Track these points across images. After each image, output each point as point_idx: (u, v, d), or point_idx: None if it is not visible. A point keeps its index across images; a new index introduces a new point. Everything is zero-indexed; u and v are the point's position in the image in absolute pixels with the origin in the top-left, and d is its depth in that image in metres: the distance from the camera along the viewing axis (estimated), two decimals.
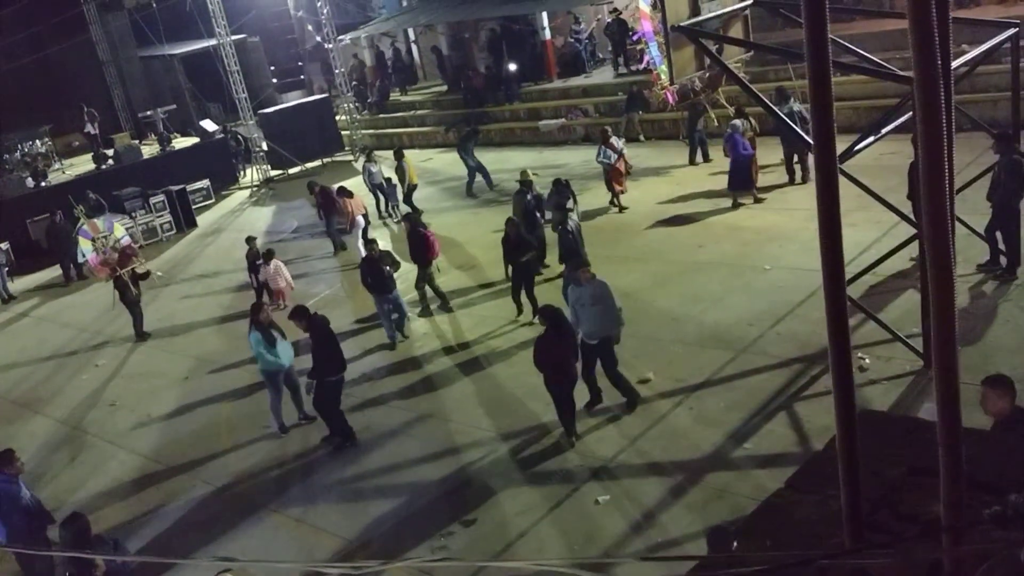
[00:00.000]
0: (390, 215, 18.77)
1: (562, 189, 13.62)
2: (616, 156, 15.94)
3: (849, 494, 2.94)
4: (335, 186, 17.14)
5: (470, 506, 8.39)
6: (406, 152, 18.87)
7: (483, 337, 12.05)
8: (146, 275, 14.94)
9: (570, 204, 13.43)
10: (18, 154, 22.98)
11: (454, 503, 8.50)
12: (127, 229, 16.27)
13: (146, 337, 14.40)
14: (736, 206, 14.92)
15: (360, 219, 16.21)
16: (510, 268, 12.11)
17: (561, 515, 8.01)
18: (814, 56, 2.62)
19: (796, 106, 14.85)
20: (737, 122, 15.19)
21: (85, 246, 14.64)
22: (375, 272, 11.95)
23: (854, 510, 2.99)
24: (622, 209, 16.13)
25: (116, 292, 14.23)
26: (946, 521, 2.95)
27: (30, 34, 23.87)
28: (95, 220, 15.31)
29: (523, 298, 12.10)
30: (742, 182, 15.02)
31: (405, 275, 12.95)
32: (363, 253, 15.75)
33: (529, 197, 13.71)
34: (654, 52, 15.58)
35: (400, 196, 18.52)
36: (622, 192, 16.24)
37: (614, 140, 16.23)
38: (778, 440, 8.41)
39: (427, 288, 12.98)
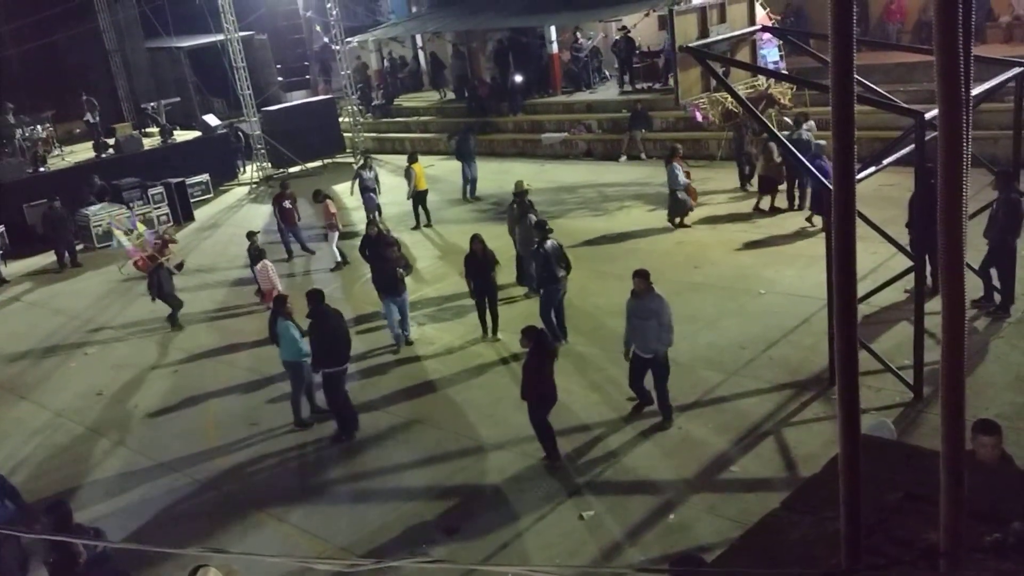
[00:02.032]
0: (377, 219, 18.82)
1: (527, 208, 13.39)
2: (686, 182, 15.51)
3: (849, 515, 2.94)
4: (314, 189, 17.20)
5: (454, 515, 8.37)
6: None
7: (475, 346, 12.03)
8: (180, 265, 14.91)
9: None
10: (18, 138, 22.88)
11: (438, 511, 8.47)
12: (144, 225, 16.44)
13: (180, 329, 14.27)
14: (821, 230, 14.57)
15: (339, 224, 16.37)
16: (472, 285, 11.99)
17: (544, 528, 7.99)
18: (839, 91, 2.63)
19: (805, 134, 14.86)
20: (823, 142, 14.54)
21: (120, 236, 14.62)
22: (373, 247, 12.02)
23: (853, 531, 2.99)
24: (678, 226, 15.73)
25: (151, 286, 14.04)
26: (944, 546, 2.94)
27: (38, 19, 23.84)
28: (120, 215, 15.43)
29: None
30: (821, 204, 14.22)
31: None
32: (338, 258, 15.87)
33: (516, 207, 13.65)
34: (771, 57, 15.29)
35: (401, 200, 18.55)
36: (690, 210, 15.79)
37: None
38: (765, 464, 8.41)
39: None
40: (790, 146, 9.79)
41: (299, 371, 10.30)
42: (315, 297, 10.03)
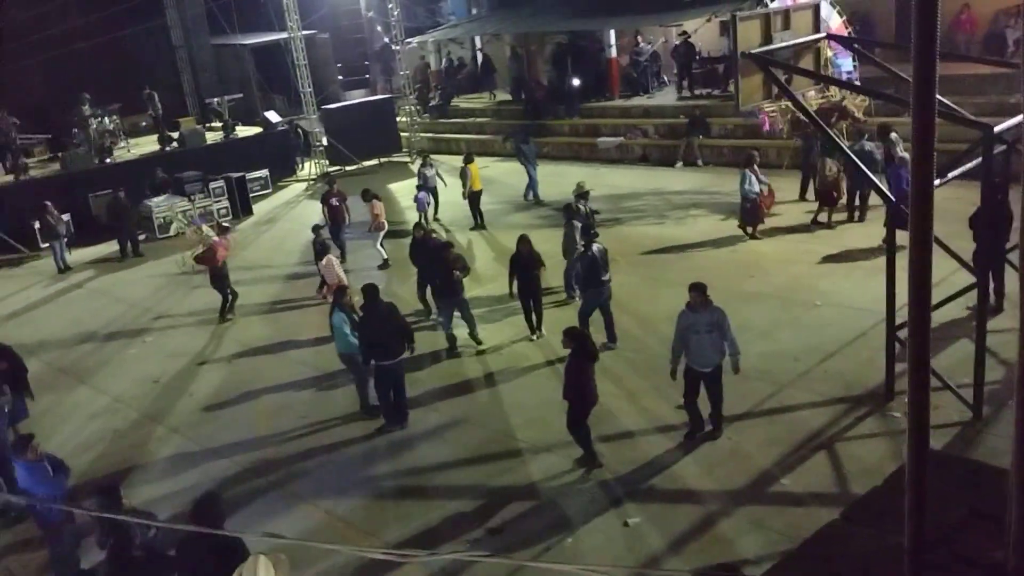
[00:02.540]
0: (435, 220, 18.93)
1: (573, 214, 13.35)
2: (764, 187, 15.24)
3: (914, 529, 2.86)
4: (363, 188, 17.26)
5: (498, 515, 8.37)
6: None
7: (524, 348, 12.03)
8: (227, 229, 15.50)
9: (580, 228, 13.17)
10: (93, 129, 23.54)
11: (482, 510, 8.48)
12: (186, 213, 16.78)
13: (231, 317, 14.58)
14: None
15: (384, 223, 16.42)
16: (515, 285, 12.04)
17: (588, 533, 7.95)
18: (920, 103, 2.57)
19: (867, 145, 14.55)
20: (906, 156, 14.45)
21: (207, 230, 14.98)
22: (422, 253, 12.17)
23: (917, 546, 2.91)
24: (752, 235, 15.38)
25: (217, 275, 14.35)
26: (1013, 565, 2.85)
27: (108, 14, 24.47)
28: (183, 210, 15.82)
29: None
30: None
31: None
32: (384, 256, 15.96)
33: (585, 210, 13.66)
34: (846, 67, 14.98)
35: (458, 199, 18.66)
36: (761, 222, 15.43)
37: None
38: (817, 479, 8.26)
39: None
40: (855, 158, 9.60)
41: (354, 362, 10.49)
42: (368, 291, 10.19)
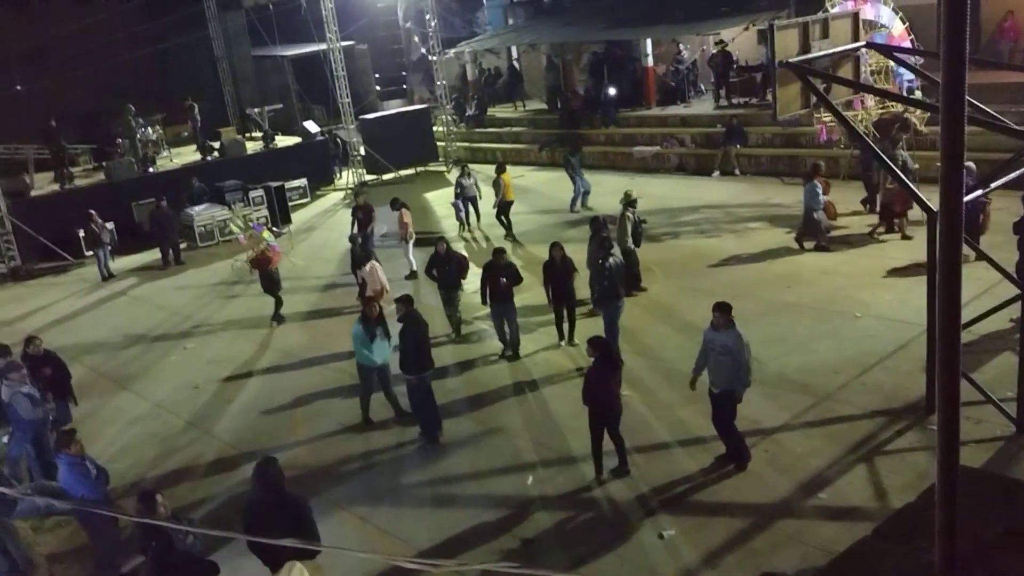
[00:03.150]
0: (475, 229, 18.98)
1: (600, 227, 13.09)
2: (827, 198, 14.88)
3: (945, 547, 2.82)
4: (392, 197, 17.36)
5: (532, 525, 8.36)
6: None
7: (558, 357, 12.03)
8: (280, 234, 15.66)
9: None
10: (139, 139, 24.05)
11: (516, 520, 8.47)
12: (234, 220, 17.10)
13: (281, 320, 14.85)
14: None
15: (413, 232, 16.53)
16: (550, 293, 12.05)
17: (622, 545, 7.90)
18: (949, 111, 2.55)
19: (903, 153, 14.38)
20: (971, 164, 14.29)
21: (267, 236, 15.24)
22: (494, 278, 12.10)
23: (949, 565, 2.87)
24: (818, 248, 14.82)
25: (270, 279, 14.64)
26: None
27: (152, 27, 25.01)
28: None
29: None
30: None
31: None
32: (414, 266, 15.98)
33: (635, 217, 13.66)
34: (908, 76, 14.71)
35: (491, 210, 18.73)
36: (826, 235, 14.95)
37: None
38: (855, 493, 8.15)
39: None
40: (893, 167, 9.48)
41: (365, 374, 10.63)
42: (404, 302, 10.24)
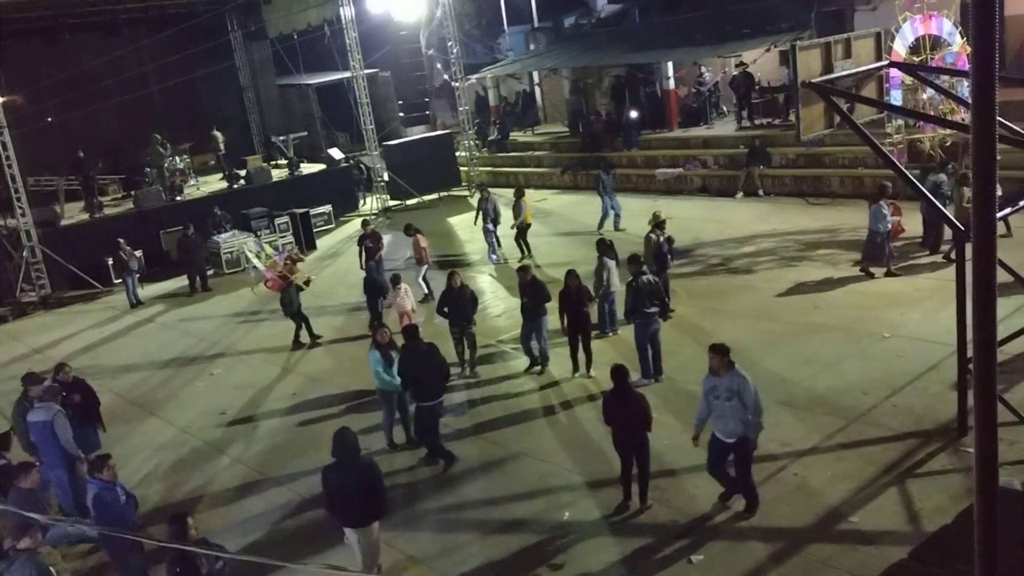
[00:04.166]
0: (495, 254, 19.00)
1: (607, 250, 13.23)
2: (895, 220, 14.15)
3: (984, 570, 2.76)
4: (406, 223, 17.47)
5: (558, 551, 8.29)
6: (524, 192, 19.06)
7: (582, 379, 11.97)
8: (308, 282, 15.83)
9: (612, 265, 13.09)
10: (167, 168, 24.44)
11: (543, 545, 8.41)
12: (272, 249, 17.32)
13: (318, 339, 15.04)
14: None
15: (428, 257, 16.60)
16: (565, 322, 11.95)
17: (651, 569, 7.81)
18: (980, 128, 2.53)
19: (942, 177, 14.13)
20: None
21: (254, 259, 15.48)
22: (531, 296, 12.17)
23: None
24: (888, 272, 14.20)
25: (285, 303, 14.84)
26: None
27: (179, 58, 25.42)
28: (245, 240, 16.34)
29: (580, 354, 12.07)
30: None
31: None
32: (426, 291, 16.01)
33: (661, 239, 13.62)
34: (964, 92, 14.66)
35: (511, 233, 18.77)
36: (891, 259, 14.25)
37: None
38: (887, 516, 8.00)
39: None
40: (920, 187, 9.40)
41: (386, 399, 10.67)
42: (407, 332, 10.48)
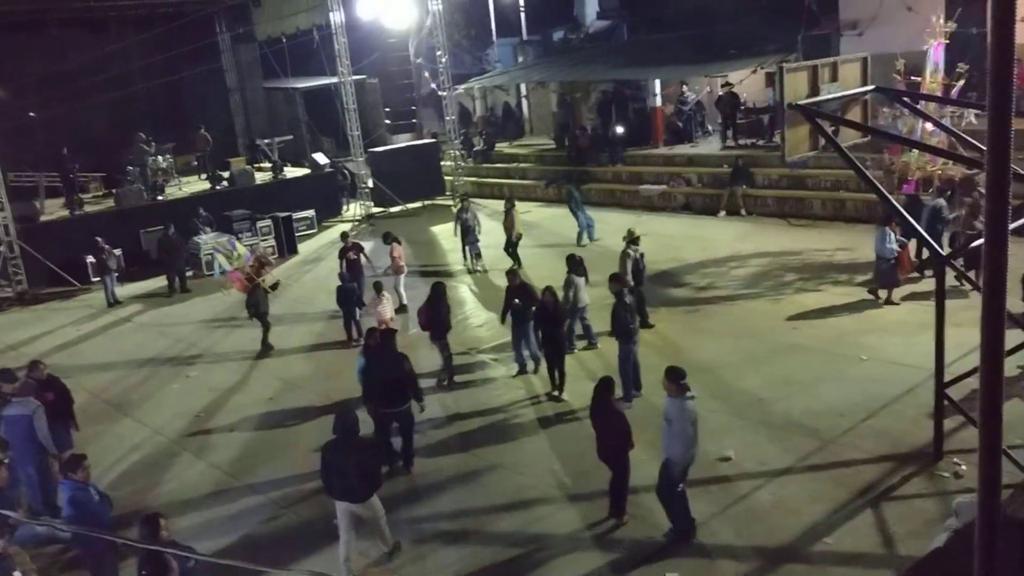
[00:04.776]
0: (475, 262, 18.94)
1: (576, 266, 13.16)
2: (901, 245, 13.83)
3: None
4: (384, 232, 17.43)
5: (534, 565, 8.26)
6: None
7: (565, 392, 11.96)
8: (276, 286, 15.71)
9: (580, 283, 13.05)
10: (149, 167, 24.26)
11: (520, 559, 8.38)
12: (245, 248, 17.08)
13: (270, 350, 14.86)
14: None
15: (404, 266, 16.55)
16: (539, 337, 11.97)
17: None
18: (994, 156, 2.56)
19: (941, 201, 14.11)
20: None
21: (222, 260, 15.35)
22: (522, 299, 12.21)
23: None
24: (888, 300, 13.94)
25: (250, 305, 14.73)
26: None
27: (166, 57, 25.27)
28: (220, 239, 16.14)
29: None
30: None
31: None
32: (404, 300, 15.97)
33: (638, 255, 13.64)
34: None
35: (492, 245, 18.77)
36: (898, 284, 14.00)
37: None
38: (861, 538, 8.04)
39: None
40: (901, 209, 9.50)
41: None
42: (383, 335, 10.57)
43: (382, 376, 10.04)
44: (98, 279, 19.88)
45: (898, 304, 13.88)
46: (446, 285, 13.19)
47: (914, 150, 14.48)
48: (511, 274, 12.76)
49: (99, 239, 19.25)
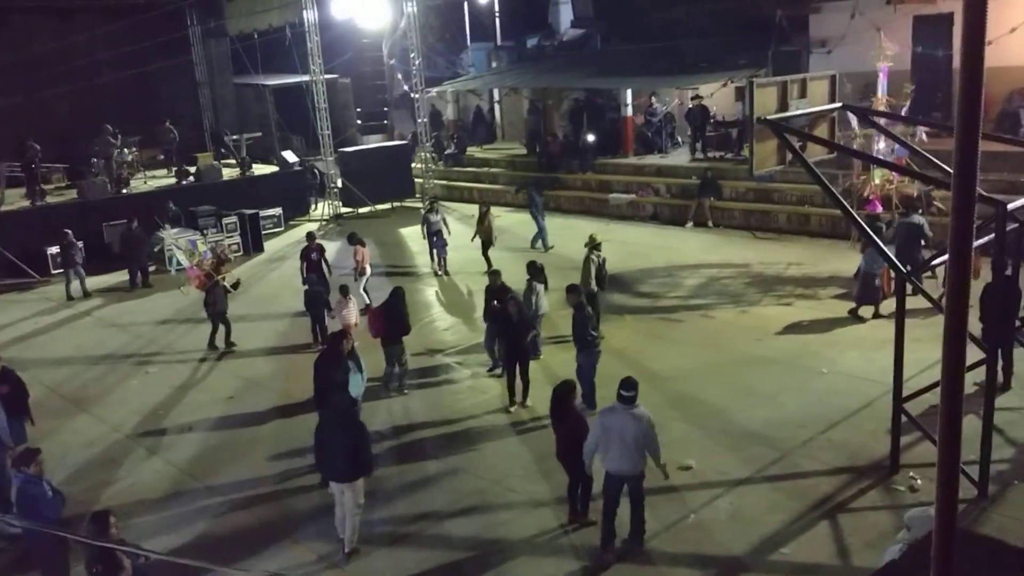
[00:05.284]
0: (441, 267, 18.88)
1: (537, 273, 13.12)
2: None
3: None
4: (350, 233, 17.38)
5: (493, 566, 8.24)
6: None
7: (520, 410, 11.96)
8: (236, 284, 15.49)
9: (541, 289, 13.00)
10: (115, 159, 23.89)
11: (477, 562, 8.35)
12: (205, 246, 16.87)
13: (232, 347, 14.73)
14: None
15: (368, 268, 16.51)
16: (503, 349, 11.97)
17: None
18: (960, 176, 2.61)
19: (917, 218, 14.19)
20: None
21: (181, 257, 15.14)
22: (499, 299, 12.21)
23: None
24: (874, 316, 13.92)
25: (208, 303, 14.54)
26: None
27: (134, 49, 24.91)
28: (181, 236, 15.90)
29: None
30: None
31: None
32: (366, 300, 15.91)
33: (601, 260, 13.66)
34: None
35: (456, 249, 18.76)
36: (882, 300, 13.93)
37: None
38: (818, 549, 8.13)
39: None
40: (866, 227, 9.63)
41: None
42: (329, 339, 10.73)
43: (328, 376, 10.04)
44: (60, 272, 19.51)
45: (887, 317, 13.70)
46: (405, 290, 13.07)
47: (877, 169, 14.80)
48: (492, 275, 12.87)
49: (68, 232, 18.92)
